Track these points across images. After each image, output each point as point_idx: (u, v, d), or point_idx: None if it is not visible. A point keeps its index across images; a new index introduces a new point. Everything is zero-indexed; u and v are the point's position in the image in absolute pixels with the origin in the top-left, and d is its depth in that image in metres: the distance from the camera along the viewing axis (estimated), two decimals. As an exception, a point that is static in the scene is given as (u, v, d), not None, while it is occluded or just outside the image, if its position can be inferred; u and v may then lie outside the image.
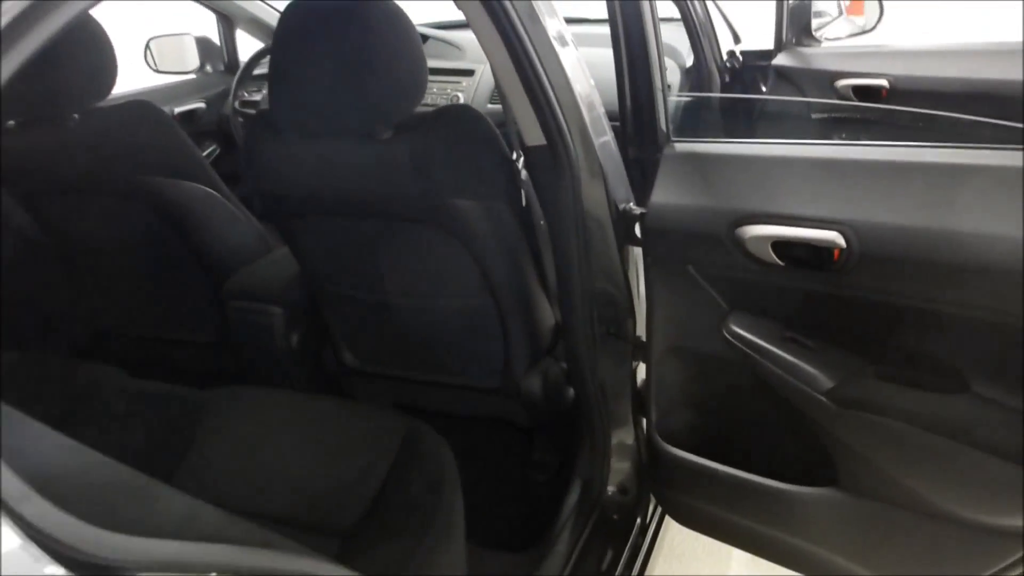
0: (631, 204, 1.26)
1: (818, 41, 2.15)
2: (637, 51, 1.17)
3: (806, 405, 1.07)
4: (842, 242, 0.97)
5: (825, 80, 2.03)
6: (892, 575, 1.13)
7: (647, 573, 1.47)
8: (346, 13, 1.18)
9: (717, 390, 1.21)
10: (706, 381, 1.22)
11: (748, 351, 1.11)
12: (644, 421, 1.39)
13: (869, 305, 1.01)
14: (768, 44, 2.21)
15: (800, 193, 1.03)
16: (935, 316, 0.96)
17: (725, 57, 2.19)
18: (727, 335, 1.13)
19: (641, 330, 1.33)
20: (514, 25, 1.08)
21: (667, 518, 1.56)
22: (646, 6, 1.14)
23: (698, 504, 1.30)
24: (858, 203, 0.98)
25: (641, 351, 1.34)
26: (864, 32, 2.16)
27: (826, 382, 1.05)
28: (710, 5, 2.14)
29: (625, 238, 1.28)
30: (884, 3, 2.12)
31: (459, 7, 1.17)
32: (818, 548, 1.18)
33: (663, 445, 1.28)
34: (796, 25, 2.13)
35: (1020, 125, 1.03)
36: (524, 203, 1.44)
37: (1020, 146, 0.92)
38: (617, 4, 1.15)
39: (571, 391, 1.66)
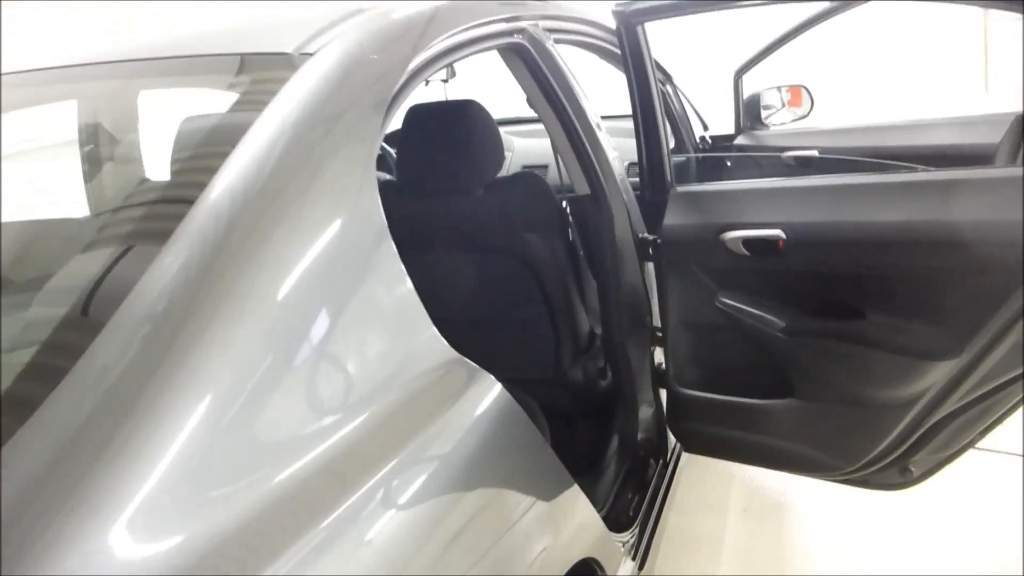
0: (646, 233, 1.92)
1: (766, 126, 2.88)
2: (651, 127, 1.86)
3: (770, 341, 1.71)
4: (783, 235, 1.63)
5: (773, 154, 2.74)
6: (834, 454, 1.75)
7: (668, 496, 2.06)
8: (453, 111, 1.88)
9: (713, 344, 1.84)
10: (705, 340, 1.85)
11: (732, 312, 1.75)
12: (661, 389, 2.00)
13: (801, 273, 1.65)
14: (729, 129, 2.93)
15: (757, 209, 1.70)
16: (838, 275, 1.61)
17: (698, 139, 2.91)
18: (719, 305, 1.77)
19: (655, 322, 1.97)
20: (569, 114, 1.76)
21: (677, 469, 2.16)
22: (656, 99, 1.84)
23: (705, 428, 1.91)
24: (789, 211, 1.65)
25: (657, 336, 1.97)
26: (801, 118, 2.90)
27: (780, 324, 1.69)
28: (684, 100, 2.87)
29: (643, 257, 1.93)
30: (814, 97, 2.86)
31: (530, 105, 1.86)
32: (788, 443, 1.79)
33: (679, 389, 1.90)
34: (750, 115, 2.86)
35: (897, 165, 1.72)
36: (571, 238, 2.12)
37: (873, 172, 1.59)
38: (636, 97, 1.85)
39: (602, 383, 2.28)
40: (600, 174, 1.84)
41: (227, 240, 0.85)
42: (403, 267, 1.02)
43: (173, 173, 1.13)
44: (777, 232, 1.64)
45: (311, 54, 1.13)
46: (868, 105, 4.91)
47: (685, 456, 2.17)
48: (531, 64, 1.71)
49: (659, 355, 2.01)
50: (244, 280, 0.83)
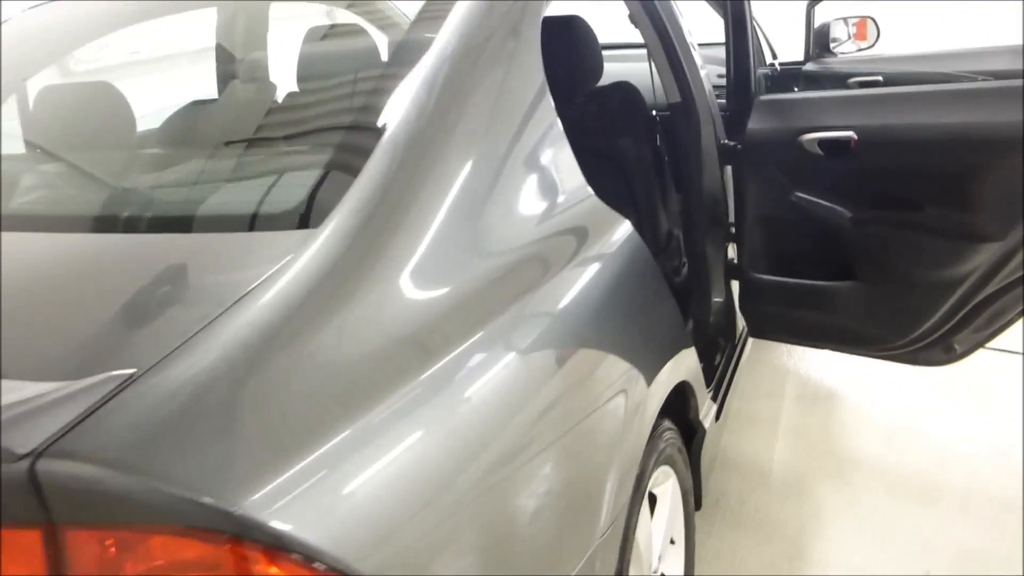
0: (726, 140, 2.19)
1: (834, 55, 3.10)
2: (740, 41, 2.11)
3: (838, 230, 1.98)
4: (855, 136, 1.89)
5: (840, 80, 2.97)
6: (889, 329, 2.03)
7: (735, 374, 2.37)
8: (559, 25, 2.15)
9: (786, 234, 2.12)
10: (779, 230, 2.12)
11: (806, 206, 2.02)
12: (733, 281, 2.29)
13: (868, 170, 1.92)
14: (798, 58, 3.15)
15: (832, 114, 1.96)
16: (900, 171, 1.88)
17: (767, 66, 3.14)
18: (793, 199, 2.04)
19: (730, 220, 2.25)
20: (667, 28, 2.02)
21: (743, 354, 2.46)
22: (748, 15, 2.10)
23: (774, 309, 2.19)
24: (861, 116, 1.90)
25: (731, 233, 2.25)
26: (867, 49, 3.11)
27: (847, 214, 1.96)
28: (757, 28, 3.09)
29: (723, 161, 2.20)
30: (880, 29, 3.07)
31: (632, 22, 2.12)
32: (848, 320, 2.07)
33: (753, 275, 2.19)
34: (819, 44, 3.08)
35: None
36: (658, 145, 2.40)
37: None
38: (729, 12, 2.11)
39: (676, 279, 2.58)
40: (691, 84, 2.11)
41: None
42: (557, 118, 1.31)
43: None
44: (849, 134, 1.90)
45: None
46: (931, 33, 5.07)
47: (746, 350, 2.47)
48: None
49: (731, 251, 2.29)
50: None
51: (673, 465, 1.62)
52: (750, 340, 2.58)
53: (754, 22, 3.05)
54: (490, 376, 0.97)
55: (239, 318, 0.82)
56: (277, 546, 0.72)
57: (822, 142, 1.94)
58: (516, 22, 1.32)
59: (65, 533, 0.71)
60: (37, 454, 0.69)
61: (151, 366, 0.77)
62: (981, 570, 1.94)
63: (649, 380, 1.37)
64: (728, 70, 2.16)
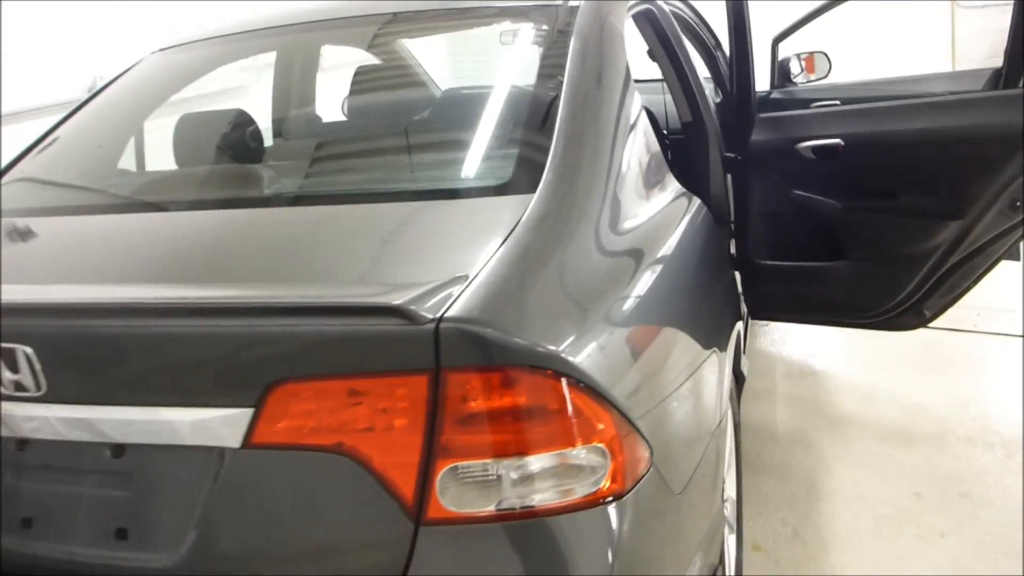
0: (728, 153, 2.66)
1: (795, 84, 3.64)
2: (744, 70, 2.59)
3: (829, 219, 2.46)
4: (841, 142, 2.37)
5: (803, 105, 3.50)
6: (872, 299, 2.51)
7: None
8: None
9: (786, 226, 2.58)
10: (780, 223, 2.59)
11: (802, 201, 2.50)
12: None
13: (853, 168, 2.40)
14: (765, 87, 3.68)
15: (822, 126, 2.44)
16: (879, 167, 2.37)
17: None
18: (792, 196, 2.51)
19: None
20: (680, 60, 2.48)
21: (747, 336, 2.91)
22: (750, 48, 2.57)
23: (776, 288, 2.65)
24: (845, 126, 2.39)
25: (731, 230, 2.71)
26: (821, 79, 3.66)
27: (837, 204, 2.44)
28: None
29: (725, 170, 2.68)
30: (831, 61, 3.63)
31: (650, 57, 2.58)
32: (838, 294, 2.54)
33: (757, 261, 2.64)
34: (782, 75, 3.62)
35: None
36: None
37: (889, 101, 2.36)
38: (734, 46, 2.58)
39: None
40: (700, 107, 2.57)
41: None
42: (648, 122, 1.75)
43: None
44: (837, 140, 2.39)
45: (577, 6, 1.84)
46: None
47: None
48: (655, 24, 2.43)
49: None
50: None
51: (731, 401, 2.04)
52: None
53: (725, 55, 3.58)
54: (664, 282, 1.42)
55: (521, 239, 1.22)
56: (574, 376, 1.11)
57: (815, 148, 2.42)
58: (608, 52, 1.76)
59: (445, 375, 1.08)
60: (439, 319, 1.06)
61: (480, 268, 1.15)
62: (958, 488, 2.41)
63: (734, 321, 1.81)
64: (732, 92, 2.64)
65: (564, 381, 1.11)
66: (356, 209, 1.46)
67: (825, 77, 3.67)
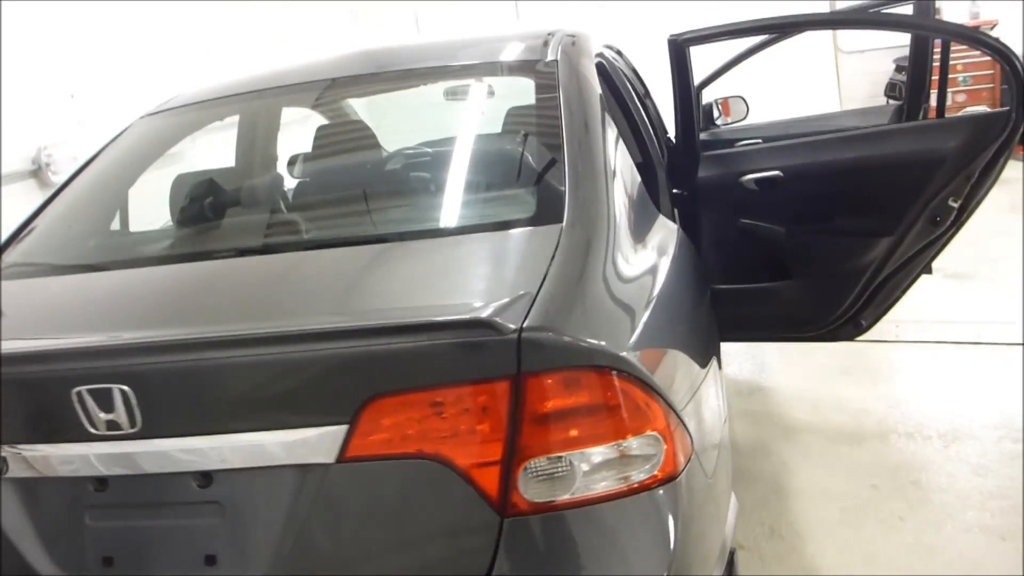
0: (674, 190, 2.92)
1: (718, 126, 3.97)
2: (688, 116, 2.85)
3: (774, 242, 2.72)
4: (781, 174, 2.65)
5: (728, 144, 3.81)
6: (815, 313, 2.77)
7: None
8: None
9: (735, 252, 2.83)
10: (730, 250, 2.84)
11: (749, 228, 2.75)
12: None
13: (793, 196, 2.68)
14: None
15: (762, 160, 2.72)
16: (816, 194, 2.65)
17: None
18: (739, 225, 2.77)
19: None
20: (630, 108, 2.73)
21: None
22: (694, 99, 2.84)
23: (730, 310, 2.88)
24: (784, 159, 2.67)
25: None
26: (741, 120, 3.99)
27: (781, 229, 2.70)
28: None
29: (673, 205, 2.92)
30: (749, 104, 3.97)
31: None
32: (785, 310, 2.80)
33: (712, 286, 2.88)
34: (706, 118, 3.94)
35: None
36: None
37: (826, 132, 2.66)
38: (678, 98, 2.84)
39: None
40: (649, 148, 2.82)
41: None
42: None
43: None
44: (777, 172, 2.66)
45: (556, 61, 2.06)
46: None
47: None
48: (606, 75, 2.67)
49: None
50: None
51: None
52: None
53: (653, 103, 3.87)
54: (677, 293, 1.63)
55: (564, 261, 1.39)
56: (633, 374, 1.28)
57: (758, 180, 2.69)
58: (588, 100, 1.97)
59: (526, 379, 1.23)
60: (520, 329, 1.22)
61: (539, 286, 1.31)
62: (908, 477, 2.67)
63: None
64: (677, 136, 2.89)
65: (625, 379, 1.27)
66: (409, 245, 1.60)
67: (744, 119, 4.00)
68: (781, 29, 3.00)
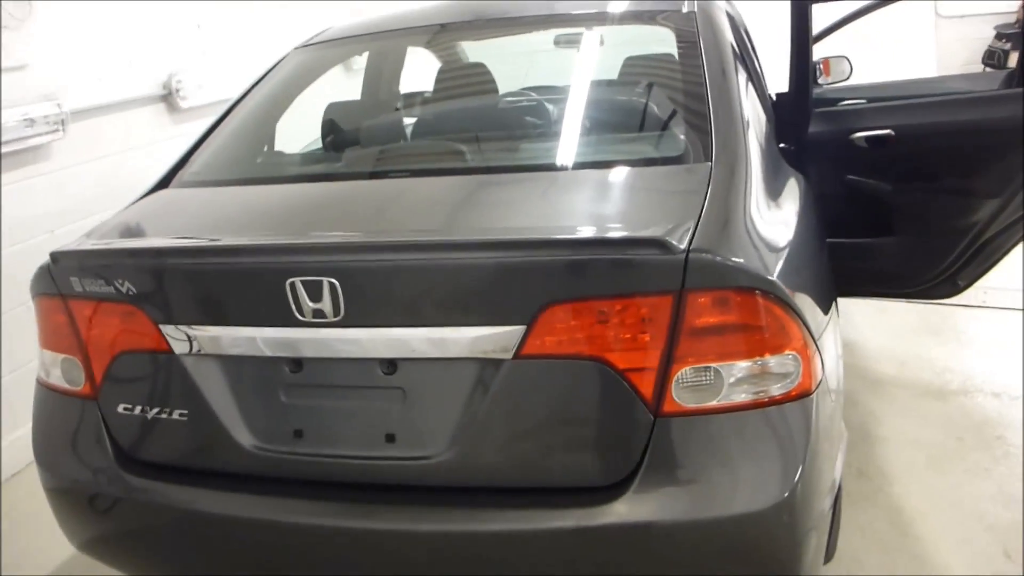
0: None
1: (820, 85, 4.01)
2: (801, 70, 2.93)
3: (880, 199, 2.80)
4: (891, 133, 2.72)
5: (830, 104, 3.87)
6: (917, 270, 2.86)
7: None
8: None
9: (839, 206, 2.92)
10: (834, 204, 2.93)
11: (856, 184, 2.84)
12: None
13: (903, 155, 2.75)
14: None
15: (873, 119, 2.79)
16: (925, 153, 2.72)
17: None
18: (847, 180, 2.86)
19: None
20: (746, 56, 2.82)
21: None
22: (810, 50, 2.91)
23: (834, 264, 2.99)
24: (897, 118, 2.75)
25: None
26: (843, 80, 4.03)
27: (887, 187, 2.78)
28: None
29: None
30: (852, 64, 4.00)
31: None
32: (888, 266, 2.89)
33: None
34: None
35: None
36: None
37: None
38: (795, 48, 2.92)
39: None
40: (767, 102, 2.91)
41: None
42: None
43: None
44: (889, 131, 2.74)
45: (694, 12, 2.17)
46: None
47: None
48: (734, 30, 2.75)
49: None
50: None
51: None
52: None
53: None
54: (811, 227, 1.81)
55: (718, 194, 1.54)
56: (780, 297, 1.42)
57: (868, 138, 2.77)
58: (723, 49, 2.08)
59: (686, 295, 1.39)
60: (688, 250, 1.37)
61: (699, 215, 1.46)
62: (993, 432, 2.77)
63: None
64: (791, 89, 2.97)
65: (772, 301, 1.42)
66: (575, 174, 1.76)
67: (847, 79, 4.03)
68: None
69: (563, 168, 1.81)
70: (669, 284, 1.39)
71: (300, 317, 1.50)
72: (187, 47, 4.10)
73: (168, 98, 3.97)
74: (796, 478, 1.43)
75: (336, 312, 1.48)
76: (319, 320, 1.50)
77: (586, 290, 1.41)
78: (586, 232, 1.47)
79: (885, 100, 3.49)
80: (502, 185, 1.78)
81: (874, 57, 6.66)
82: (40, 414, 1.86)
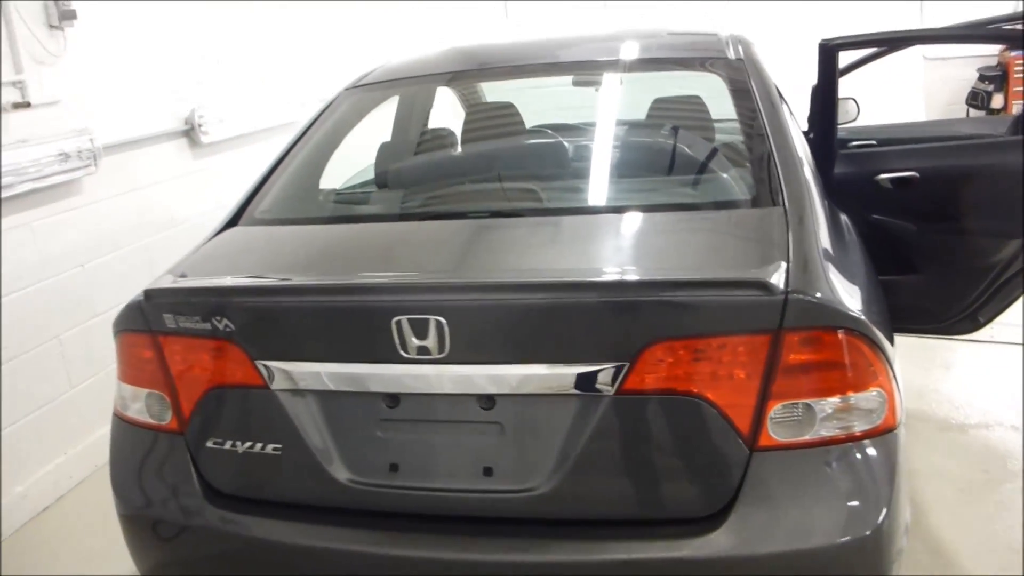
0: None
1: (830, 126, 4.14)
2: (827, 113, 3.05)
3: (904, 239, 2.91)
4: (915, 175, 2.84)
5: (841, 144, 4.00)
6: (940, 308, 2.96)
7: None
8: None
9: (867, 246, 3.03)
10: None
11: (880, 224, 2.95)
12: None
13: (926, 196, 2.86)
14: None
15: (897, 161, 2.91)
16: (949, 196, 2.83)
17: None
18: (871, 220, 2.96)
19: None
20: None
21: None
22: (836, 98, 3.03)
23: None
24: (921, 160, 2.86)
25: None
26: (852, 121, 4.17)
27: (911, 227, 2.89)
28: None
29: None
30: (860, 106, 4.14)
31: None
32: (913, 303, 2.99)
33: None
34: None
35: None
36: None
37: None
38: (820, 95, 3.04)
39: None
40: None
41: None
42: None
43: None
44: (913, 173, 2.85)
45: (743, 59, 2.27)
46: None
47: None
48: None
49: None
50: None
51: None
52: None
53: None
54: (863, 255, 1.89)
55: (799, 238, 1.61)
56: (869, 336, 1.49)
57: (893, 179, 2.88)
58: (773, 95, 2.18)
59: (783, 335, 1.46)
60: (787, 291, 1.44)
61: (787, 257, 1.53)
62: (1017, 465, 2.86)
63: None
64: (817, 132, 3.09)
65: (861, 339, 1.49)
66: (654, 216, 1.83)
67: (854, 120, 4.17)
68: (935, 40, 3.17)
69: (639, 210, 1.88)
70: (768, 323, 1.45)
71: (404, 354, 1.55)
72: (207, 82, 4.14)
73: (190, 133, 4.01)
74: (884, 511, 1.49)
75: (441, 349, 1.53)
76: (422, 357, 1.54)
77: (687, 329, 1.47)
78: (690, 274, 1.53)
79: (895, 142, 3.62)
80: (586, 227, 1.84)
81: (865, 97, 6.87)
82: (118, 446, 1.88)
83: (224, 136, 4.18)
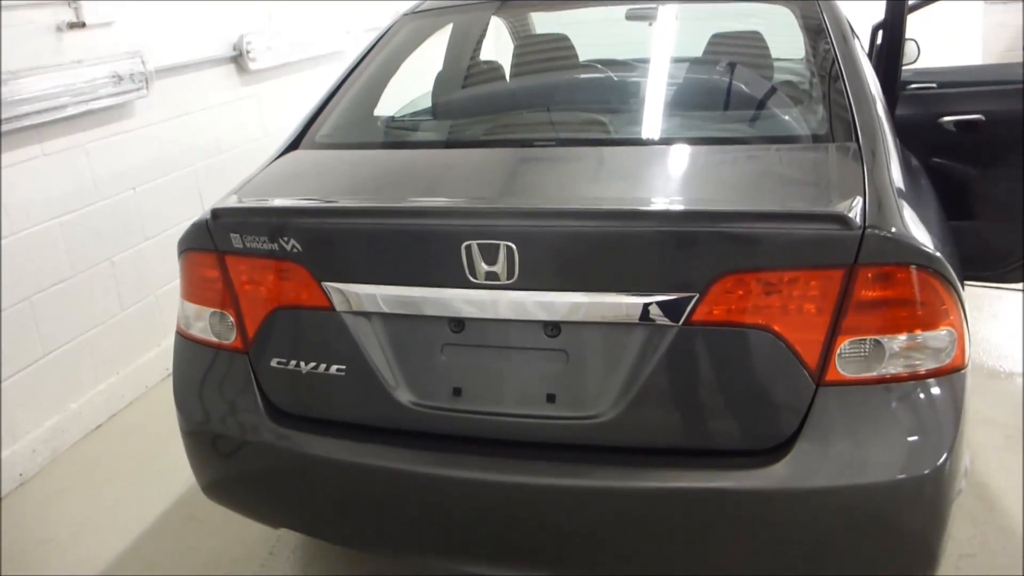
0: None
1: (888, 68, 4.02)
2: (892, 52, 2.96)
3: (964, 183, 2.84)
4: (981, 118, 2.76)
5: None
6: (996, 255, 2.91)
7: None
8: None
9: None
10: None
11: (941, 167, 2.88)
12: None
13: (990, 140, 2.79)
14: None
15: (965, 102, 2.83)
16: (1013, 141, 2.76)
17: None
18: (931, 163, 2.90)
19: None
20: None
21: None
22: (904, 33, 2.94)
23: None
24: (988, 103, 2.78)
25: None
26: (912, 63, 4.05)
27: (972, 170, 2.82)
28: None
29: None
30: (920, 48, 4.02)
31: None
32: (970, 251, 2.94)
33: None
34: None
35: None
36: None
37: None
38: (888, 31, 2.95)
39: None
40: None
41: None
42: None
43: None
44: (979, 116, 2.77)
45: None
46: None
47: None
48: None
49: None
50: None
51: None
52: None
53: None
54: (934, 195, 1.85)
55: (874, 175, 1.58)
56: (944, 275, 1.47)
57: (957, 122, 2.81)
58: (847, 34, 2.12)
59: (857, 270, 1.44)
60: (864, 226, 1.41)
61: (863, 194, 1.50)
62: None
63: None
64: (880, 71, 3.01)
65: (935, 277, 1.47)
66: (726, 148, 1.80)
67: (914, 62, 4.05)
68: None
69: (711, 143, 1.85)
70: (842, 258, 1.43)
71: (472, 279, 1.55)
72: (255, 10, 4.10)
73: (238, 59, 3.99)
74: (947, 450, 1.49)
75: (510, 275, 1.53)
76: (491, 283, 1.55)
77: (761, 262, 1.46)
78: (766, 206, 1.51)
79: (955, 86, 3.51)
80: (657, 158, 1.82)
81: (925, 41, 6.66)
82: (181, 364, 1.91)
83: (271, 64, 4.15)
